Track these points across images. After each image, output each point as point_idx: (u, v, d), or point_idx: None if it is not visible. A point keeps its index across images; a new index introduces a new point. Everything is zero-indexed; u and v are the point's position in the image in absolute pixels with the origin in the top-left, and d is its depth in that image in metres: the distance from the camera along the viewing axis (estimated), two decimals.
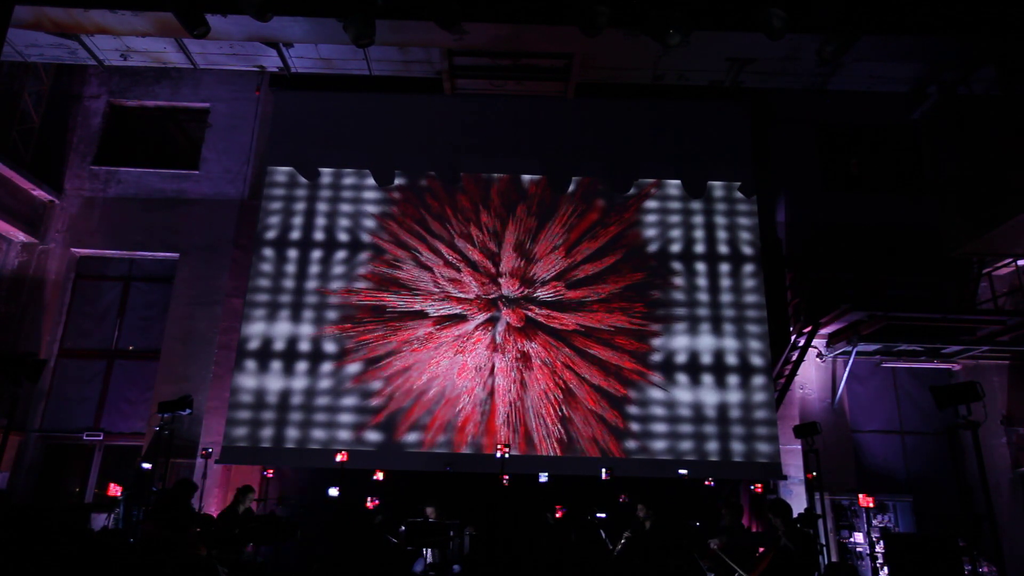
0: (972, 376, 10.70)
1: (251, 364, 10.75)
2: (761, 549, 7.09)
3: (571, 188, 11.73)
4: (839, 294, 10.60)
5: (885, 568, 8.94)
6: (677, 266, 11.36)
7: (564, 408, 10.64)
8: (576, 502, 8.94)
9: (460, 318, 11.07)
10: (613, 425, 10.55)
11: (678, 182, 11.81)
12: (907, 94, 10.48)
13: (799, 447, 10.07)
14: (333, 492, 8.91)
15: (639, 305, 11.13)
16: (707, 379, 10.80)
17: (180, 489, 7.41)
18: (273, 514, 8.48)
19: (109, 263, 12.06)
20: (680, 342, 10.96)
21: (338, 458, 9.25)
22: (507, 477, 8.74)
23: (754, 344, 10.95)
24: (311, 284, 11.17)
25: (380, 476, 9.64)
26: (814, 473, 8.75)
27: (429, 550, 8.38)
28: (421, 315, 11.06)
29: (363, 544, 8.82)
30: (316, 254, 11.33)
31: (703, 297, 11.20)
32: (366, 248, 11.37)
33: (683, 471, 9.88)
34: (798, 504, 9.95)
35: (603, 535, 8.60)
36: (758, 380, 10.78)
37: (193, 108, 12.72)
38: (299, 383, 10.68)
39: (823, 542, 8.69)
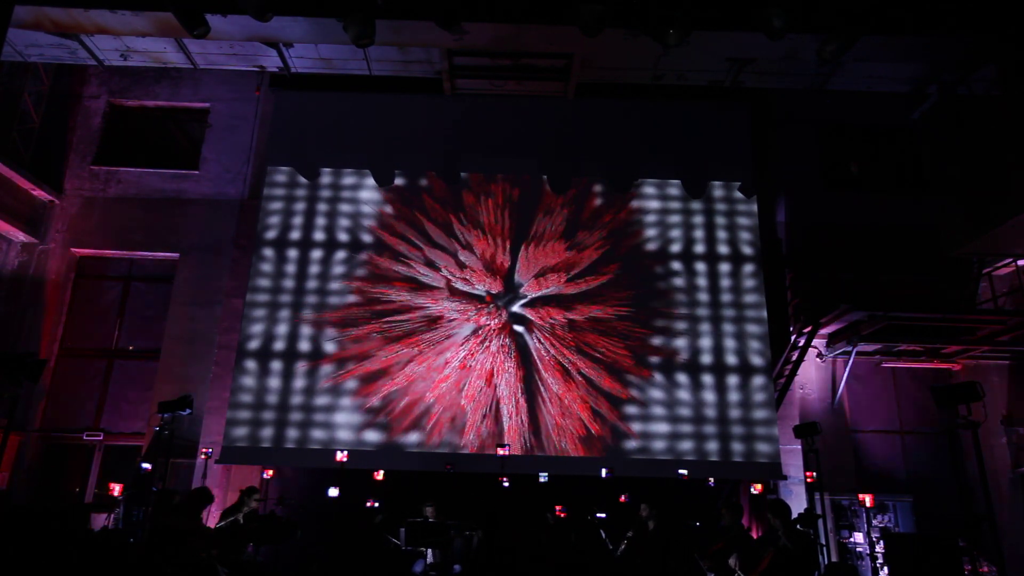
0: (972, 376, 10.70)
1: (251, 364, 10.75)
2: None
3: (571, 188, 11.73)
4: (839, 294, 10.59)
5: (885, 568, 8.94)
6: (677, 266, 11.37)
7: (564, 407, 10.64)
8: (576, 502, 8.94)
9: (460, 317, 11.07)
10: (613, 425, 10.55)
11: (678, 182, 11.81)
12: (907, 94, 10.46)
13: (799, 447, 10.06)
14: (333, 492, 8.92)
15: (638, 304, 11.13)
16: (707, 379, 10.80)
17: (196, 497, 7.41)
18: (273, 514, 8.48)
19: (109, 263, 12.06)
20: (680, 342, 10.96)
21: (338, 457, 9.27)
22: (506, 478, 8.74)
23: (754, 344, 10.95)
24: (311, 284, 11.17)
25: (380, 476, 9.64)
26: (814, 474, 8.75)
27: (430, 550, 8.38)
28: (422, 314, 11.06)
29: (363, 544, 8.83)
30: (316, 254, 11.33)
31: (703, 297, 11.20)
32: (366, 248, 11.37)
33: (683, 471, 9.88)
34: (798, 504, 9.95)
35: (603, 535, 8.60)
36: (758, 380, 10.78)
37: (193, 108, 12.72)
38: (299, 383, 10.68)
39: (823, 542, 8.69)
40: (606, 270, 11.29)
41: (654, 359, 10.86)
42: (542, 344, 10.94)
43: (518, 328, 11.04)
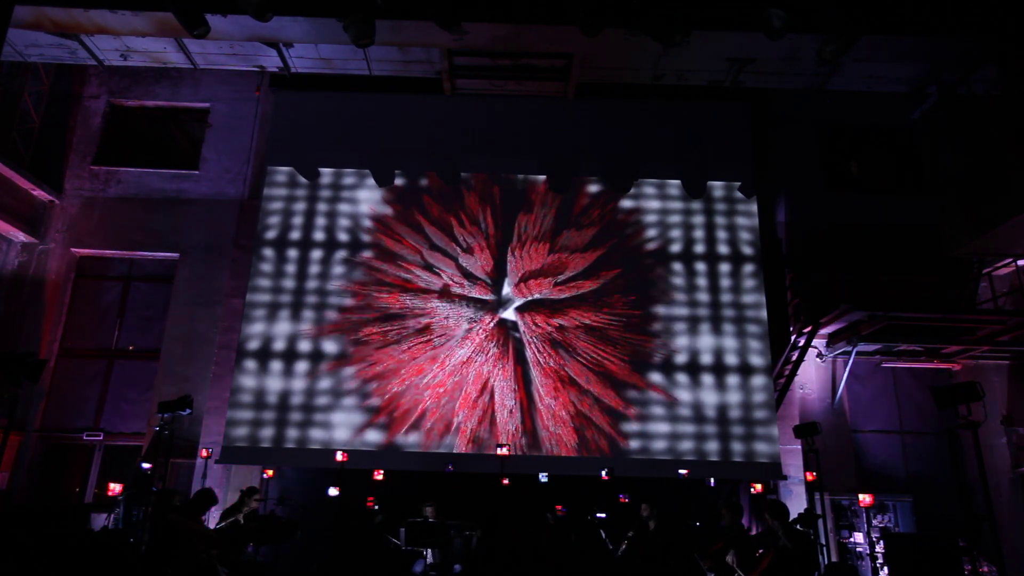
0: (972, 376, 10.70)
1: (251, 364, 10.75)
2: (759, 552, 7.07)
3: (571, 188, 11.73)
4: (839, 294, 10.59)
5: (885, 568, 8.94)
6: (677, 266, 11.37)
7: (563, 408, 10.63)
8: (576, 502, 8.93)
9: (459, 318, 11.07)
10: (613, 425, 10.55)
11: (678, 182, 11.81)
12: (907, 94, 10.46)
13: (799, 447, 10.06)
14: (333, 492, 8.92)
15: (638, 305, 11.13)
16: (707, 379, 10.80)
17: (200, 499, 7.41)
18: (273, 514, 8.48)
19: (109, 263, 12.06)
20: (680, 342, 10.96)
21: (338, 457, 9.26)
22: (506, 478, 8.74)
23: (754, 344, 10.95)
24: (311, 284, 11.17)
25: (380, 476, 9.64)
26: (815, 474, 8.75)
27: (430, 550, 8.38)
28: (420, 315, 11.06)
29: (363, 544, 8.83)
30: (316, 254, 11.33)
31: (703, 297, 11.20)
32: (366, 248, 11.38)
33: (683, 471, 9.88)
34: (798, 504, 9.95)
35: (603, 535, 8.60)
36: (758, 380, 10.78)
37: (193, 108, 12.72)
38: (299, 383, 10.68)
39: (823, 542, 8.69)
40: (605, 270, 11.28)
41: (654, 359, 10.85)
42: (540, 344, 10.93)
43: (516, 328, 11.03)
